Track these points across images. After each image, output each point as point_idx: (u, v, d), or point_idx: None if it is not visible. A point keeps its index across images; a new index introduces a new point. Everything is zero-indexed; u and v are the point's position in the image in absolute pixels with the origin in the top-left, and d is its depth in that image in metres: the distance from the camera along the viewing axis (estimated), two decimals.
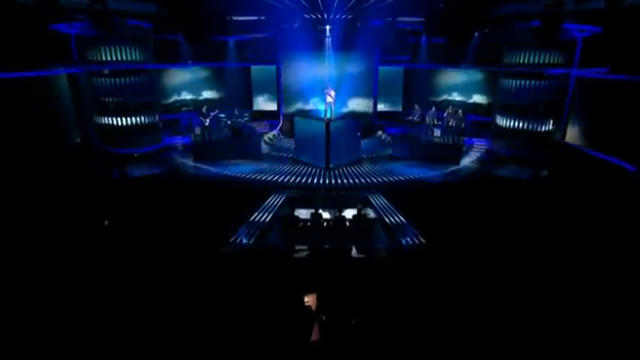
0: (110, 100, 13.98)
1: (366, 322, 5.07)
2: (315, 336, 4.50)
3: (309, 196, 11.98)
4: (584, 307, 5.65)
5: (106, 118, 14.21)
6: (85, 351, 4.81)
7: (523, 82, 14.05)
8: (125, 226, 9.17)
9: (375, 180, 13.27)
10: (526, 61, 13.81)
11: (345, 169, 14.34)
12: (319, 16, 16.54)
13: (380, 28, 16.89)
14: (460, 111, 15.65)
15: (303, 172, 14.14)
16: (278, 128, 18.84)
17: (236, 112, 16.47)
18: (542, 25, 13.01)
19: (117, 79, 13.85)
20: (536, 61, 13.63)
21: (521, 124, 14.42)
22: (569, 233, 8.38)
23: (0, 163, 10.73)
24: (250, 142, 15.78)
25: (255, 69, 18.76)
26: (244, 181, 13.27)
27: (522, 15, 13.85)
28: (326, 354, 4.54)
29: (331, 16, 16.50)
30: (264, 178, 13.48)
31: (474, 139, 16.30)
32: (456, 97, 17.92)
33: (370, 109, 18.76)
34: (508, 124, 14.75)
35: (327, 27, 17.07)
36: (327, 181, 13.26)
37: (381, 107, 19.01)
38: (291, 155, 15.76)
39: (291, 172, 14.11)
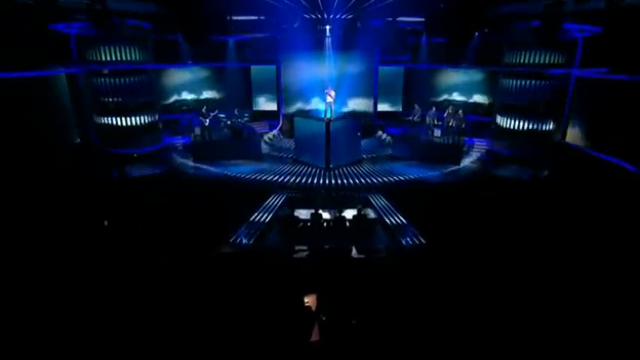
0: (110, 100, 13.96)
1: (366, 322, 5.05)
2: (315, 336, 4.48)
3: (309, 196, 11.96)
4: (585, 307, 5.64)
5: (105, 118, 14.19)
6: (85, 351, 4.80)
7: (523, 82, 14.05)
8: (125, 226, 9.16)
9: (375, 180, 13.25)
10: (526, 61, 13.80)
11: (345, 169, 14.32)
12: (319, 16, 16.53)
13: (380, 28, 16.88)
14: (460, 111, 15.65)
15: (303, 172, 14.12)
16: (278, 128, 18.83)
17: (236, 112, 16.47)
18: (543, 25, 13.01)
19: (116, 79, 13.83)
20: (536, 61, 13.62)
21: (521, 124, 14.41)
22: (570, 233, 8.37)
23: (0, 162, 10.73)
24: (250, 143, 15.76)
25: (255, 69, 18.75)
26: (244, 182, 13.25)
27: (522, 15, 13.84)
28: (326, 354, 4.52)
29: (331, 16, 16.49)
30: (264, 178, 13.46)
31: (475, 139, 16.29)
32: (457, 97, 17.91)
33: (370, 109, 18.74)
34: (508, 124, 14.74)
35: (327, 27, 17.06)
36: (327, 182, 13.24)
37: (381, 107, 18.98)
38: (291, 155, 15.75)
39: (291, 172, 14.10)
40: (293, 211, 9.61)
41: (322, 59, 17.50)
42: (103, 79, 13.78)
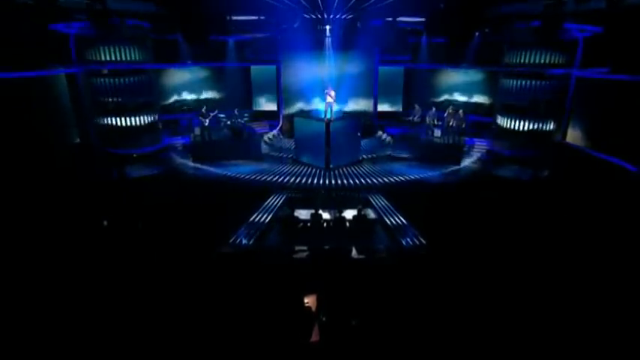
0: (109, 100, 13.93)
1: (366, 323, 5.04)
2: (315, 337, 4.47)
3: (309, 196, 11.94)
4: (585, 307, 5.63)
5: (105, 119, 14.16)
6: (85, 351, 4.78)
7: (524, 82, 14.01)
8: (124, 226, 9.14)
9: (375, 181, 13.22)
10: (526, 61, 13.76)
11: (345, 170, 14.30)
12: (319, 16, 16.51)
13: (380, 27, 16.86)
14: (461, 111, 15.62)
15: (303, 172, 14.10)
16: (278, 128, 18.80)
17: (236, 112, 16.44)
18: (543, 24, 12.98)
19: (116, 79, 13.79)
20: (536, 61, 13.59)
21: (521, 125, 14.38)
22: (570, 233, 8.36)
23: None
24: (250, 143, 15.73)
25: (254, 69, 18.72)
26: (244, 182, 13.23)
27: (523, 15, 13.81)
28: (326, 355, 4.51)
29: (331, 16, 16.47)
30: (263, 178, 13.44)
31: (475, 139, 16.26)
32: (457, 97, 17.88)
33: (370, 110, 18.72)
34: (509, 124, 14.72)
35: (327, 27, 17.04)
36: (327, 182, 13.22)
37: (381, 107, 18.95)
38: (291, 155, 15.73)
39: (291, 172, 14.07)
40: (293, 212, 9.59)
41: (322, 59, 17.47)
42: (102, 79, 13.73)
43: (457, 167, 14.50)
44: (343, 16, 16.63)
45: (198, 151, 15.16)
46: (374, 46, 17.58)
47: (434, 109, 16.20)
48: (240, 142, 15.55)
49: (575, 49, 13.42)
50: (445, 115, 15.69)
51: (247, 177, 13.56)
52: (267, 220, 10.38)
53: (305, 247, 8.54)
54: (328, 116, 14.83)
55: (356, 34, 16.85)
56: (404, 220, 10.29)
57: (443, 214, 10.04)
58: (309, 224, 9.43)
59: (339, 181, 13.26)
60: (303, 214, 9.84)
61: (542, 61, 13.51)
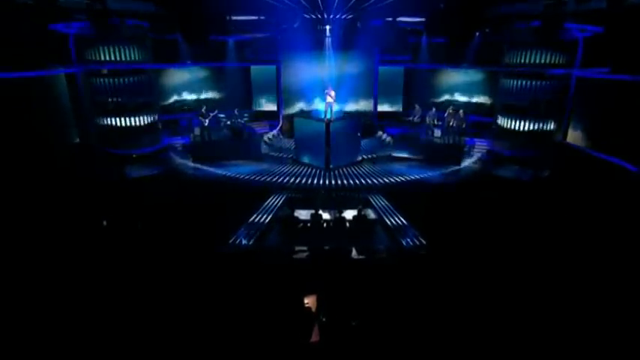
0: (109, 100, 13.91)
1: (367, 323, 5.02)
2: (315, 337, 4.46)
3: (309, 196, 11.93)
4: (586, 308, 5.61)
5: (104, 119, 14.15)
6: (85, 351, 4.77)
7: (524, 82, 13.99)
8: (124, 226, 9.13)
9: (375, 181, 13.20)
10: (527, 61, 13.75)
11: (345, 170, 14.28)
12: (319, 16, 16.50)
13: (380, 27, 16.86)
14: (461, 111, 15.60)
15: (303, 172, 14.08)
16: (278, 128, 18.79)
17: (235, 112, 16.42)
18: (543, 24, 12.97)
19: (115, 79, 13.77)
20: (537, 61, 13.57)
21: (522, 125, 14.37)
22: (570, 234, 8.34)
23: None
24: (250, 143, 15.72)
25: (254, 69, 18.70)
26: (244, 182, 13.21)
27: (523, 15, 13.80)
28: (326, 355, 4.50)
29: (331, 16, 16.46)
30: (263, 178, 13.41)
31: (476, 140, 16.24)
32: (458, 97, 17.86)
33: (370, 110, 18.70)
34: (509, 124, 14.70)
35: (327, 27, 17.03)
36: (327, 182, 13.20)
37: (381, 107, 18.94)
38: (290, 156, 15.71)
39: (291, 172, 14.05)
40: (293, 212, 9.58)
41: (322, 59, 17.46)
42: (102, 79, 13.71)
43: (457, 167, 14.48)
44: (343, 16, 16.62)
45: (197, 152, 15.13)
46: (374, 46, 17.56)
47: (434, 109, 16.19)
48: (240, 142, 15.53)
49: (576, 49, 13.41)
50: (445, 115, 15.67)
51: (247, 177, 13.53)
52: (267, 220, 10.36)
53: (305, 248, 8.53)
54: (328, 116, 14.82)
55: (356, 34, 16.84)
56: (404, 221, 10.27)
57: (443, 214, 10.02)
58: (309, 224, 9.41)
59: (339, 182, 13.23)
60: (303, 214, 9.82)
61: (543, 61, 13.49)
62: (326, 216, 9.84)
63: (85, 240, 7.99)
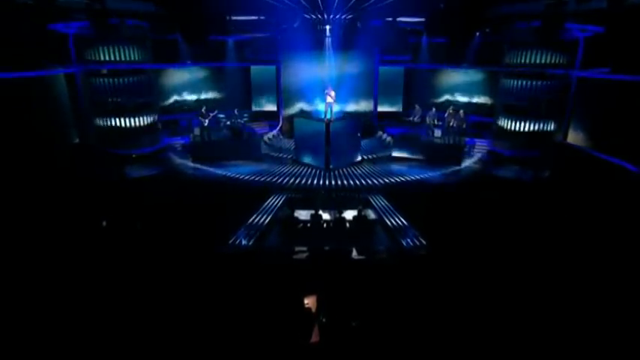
0: (108, 100, 13.90)
1: (367, 323, 5.00)
2: (315, 338, 4.43)
3: (308, 197, 11.90)
4: (587, 308, 5.59)
5: (104, 119, 14.13)
6: (84, 351, 4.75)
7: (524, 82, 14.00)
8: (123, 226, 9.10)
9: (375, 181, 13.17)
10: (527, 61, 13.75)
11: (345, 170, 14.26)
12: (319, 16, 16.48)
13: (380, 27, 16.85)
14: (461, 111, 15.59)
15: (303, 173, 14.05)
16: (278, 129, 18.77)
17: (235, 112, 16.41)
18: (544, 24, 12.97)
19: (115, 79, 13.77)
20: (537, 61, 13.58)
21: (522, 125, 14.35)
22: (571, 234, 8.31)
23: None
24: (250, 143, 15.70)
25: (254, 69, 18.72)
26: (244, 182, 13.19)
27: (523, 15, 13.79)
28: (326, 356, 4.47)
29: (331, 16, 16.44)
30: (263, 179, 13.38)
31: (476, 140, 16.23)
32: (458, 97, 17.86)
33: (370, 110, 18.68)
34: (509, 124, 14.69)
35: (327, 27, 17.01)
36: (327, 182, 13.17)
37: (381, 108, 18.92)
38: (290, 156, 15.69)
39: (291, 173, 14.02)
40: (293, 212, 9.55)
41: (322, 59, 17.43)
42: (101, 79, 13.72)
43: (458, 168, 14.46)
44: (343, 16, 16.60)
45: (197, 152, 15.12)
46: (374, 46, 17.55)
47: (434, 109, 16.18)
48: (240, 142, 15.52)
49: (576, 49, 13.42)
50: (446, 115, 15.67)
51: (247, 177, 13.50)
52: (266, 221, 10.33)
53: (305, 248, 8.51)
54: (328, 116, 14.80)
55: (356, 34, 16.83)
56: (404, 221, 10.25)
57: (443, 214, 9.99)
58: (309, 225, 9.39)
59: (339, 182, 13.20)
60: (303, 214, 9.80)
61: (543, 61, 13.50)
62: (326, 216, 9.82)
63: (84, 240, 7.96)
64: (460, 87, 17.79)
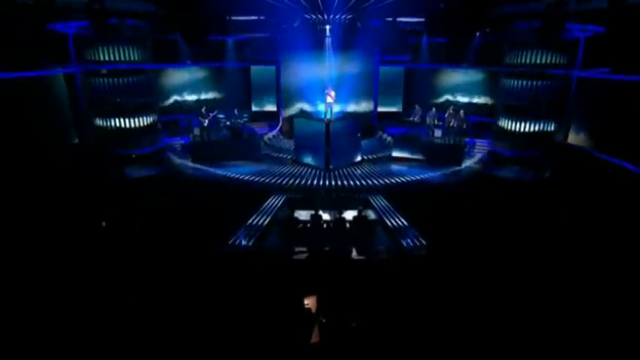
0: (108, 100, 13.88)
1: (367, 324, 4.98)
2: (315, 338, 4.41)
3: (308, 197, 11.88)
4: (587, 308, 5.57)
5: (103, 119, 14.10)
6: (84, 351, 4.74)
7: (525, 82, 13.99)
8: (123, 226, 9.09)
9: (375, 182, 13.15)
10: (528, 61, 13.74)
11: (345, 170, 14.23)
12: (319, 16, 16.46)
13: (380, 27, 16.84)
14: (462, 111, 15.58)
15: (303, 173, 14.03)
16: (278, 129, 18.75)
17: (235, 112, 16.39)
18: (544, 24, 12.94)
19: (115, 79, 13.75)
20: (538, 61, 13.57)
21: (523, 125, 14.34)
22: (571, 234, 8.30)
23: None
24: (250, 143, 15.68)
25: (254, 69, 18.73)
26: (243, 183, 13.16)
27: (524, 15, 13.78)
28: (326, 356, 4.45)
29: (331, 16, 16.42)
30: (263, 179, 13.35)
31: (476, 140, 16.21)
32: (459, 97, 17.84)
33: (370, 110, 18.66)
34: (510, 124, 14.67)
35: (327, 27, 16.99)
36: (327, 183, 13.14)
37: (381, 108, 18.91)
38: (290, 156, 15.66)
39: (291, 173, 14.00)
40: (293, 212, 9.53)
41: (322, 59, 17.40)
42: (101, 79, 13.70)
43: (458, 168, 14.43)
44: (343, 16, 16.58)
45: (197, 152, 15.10)
46: (374, 46, 17.53)
47: (434, 109, 16.17)
48: (240, 142, 15.50)
49: (577, 49, 13.40)
50: (446, 115, 15.66)
51: (247, 178, 13.47)
52: (266, 221, 10.30)
53: (305, 248, 8.49)
54: (328, 117, 14.78)
55: (356, 34, 16.81)
56: (404, 221, 10.22)
57: (443, 215, 9.98)
58: (308, 225, 9.36)
59: (339, 182, 13.18)
60: (303, 214, 9.77)
61: (544, 61, 13.49)
62: (326, 217, 9.80)
63: (84, 240, 7.95)
64: (460, 87, 17.78)
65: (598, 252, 7.35)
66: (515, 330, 5.13)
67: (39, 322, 5.20)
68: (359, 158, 15.31)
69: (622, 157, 11.44)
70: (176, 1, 14.74)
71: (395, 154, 15.55)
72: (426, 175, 13.68)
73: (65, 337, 4.91)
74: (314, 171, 14.21)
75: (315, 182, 13.19)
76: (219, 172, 13.97)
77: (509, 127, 14.72)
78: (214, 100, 18.23)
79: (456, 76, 17.81)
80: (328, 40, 17.20)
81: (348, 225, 9.35)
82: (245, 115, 18.02)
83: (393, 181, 13.21)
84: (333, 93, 14.95)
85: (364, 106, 18.55)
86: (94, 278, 6.36)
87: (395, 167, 14.62)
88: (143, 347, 4.81)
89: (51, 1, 11.77)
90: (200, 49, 16.62)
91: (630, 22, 11.10)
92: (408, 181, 13.28)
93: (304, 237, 9.15)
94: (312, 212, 9.49)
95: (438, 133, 15.22)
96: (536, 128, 14.23)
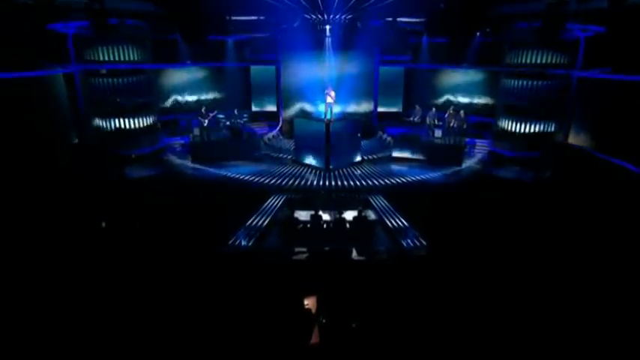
0: (108, 100, 13.86)
1: (367, 325, 4.97)
2: (315, 339, 4.40)
3: (308, 197, 11.86)
4: (588, 308, 5.56)
5: (103, 119, 14.08)
6: (84, 351, 4.73)
7: (525, 82, 13.97)
8: (122, 227, 9.08)
9: (375, 182, 13.13)
10: (528, 61, 13.72)
11: (345, 171, 14.22)
12: (319, 16, 16.45)
13: (380, 27, 16.82)
14: (462, 111, 15.56)
15: (303, 173, 14.01)
16: (277, 129, 18.74)
17: (235, 112, 16.38)
18: (545, 24, 12.92)
19: (114, 79, 13.74)
20: (538, 61, 13.55)
21: (523, 125, 14.32)
22: (572, 235, 8.28)
23: None
24: (250, 143, 15.67)
25: (254, 69, 18.72)
26: (243, 183, 13.14)
27: (524, 15, 13.77)
28: (326, 357, 4.44)
29: (331, 16, 16.41)
30: (263, 179, 13.32)
31: (477, 140, 16.20)
32: (459, 97, 17.81)
33: (370, 110, 18.65)
34: (510, 124, 14.66)
35: (327, 27, 16.98)
36: (327, 183, 13.13)
37: (381, 108, 18.89)
38: (290, 156, 15.65)
39: (291, 173, 13.98)
40: (293, 213, 9.51)
41: (322, 59, 17.38)
42: (100, 79, 13.69)
43: (458, 168, 14.42)
44: (343, 16, 16.57)
45: (197, 152, 15.08)
46: (374, 46, 17.52)
47: (434, 109, 16.16)
48: (240, 142, 15.49)
49: (577, 49, 13.38)
50: (446, 115, 15.64)
51: (247, 178, 13.45)
52: (266, 221, 10.28)
53: (305, 249, 8.47)
54: (328, 117, 14.76)
55: (356, 34, 16.79)
56: (404, 222, 10.21)
57: (444, 215, 9.96)
58: (308, 225, 9.35)
59: (339, 183, 13.16)
60: (303, 215, 9.76)
61: (544, 61, 13.47)
62: (326, 217, 9.78)
63: (83, 240, 7.93)
64: (460, 87, 17.75)
65: (598, 252, 7.34)
66: (516, 330, 5.12)
67: (39, 322, 5.20)
68: (359, 158, 15.29)
69: (622, 158, 11.42)
70: (176, 0, 14.71)
71: (395, 154, 15.54)
72: (426, 176, 13.66)
73: (65, 337, 4.91)
74: (314, 171, 14.20)
75: (315, 182, 13.15)
76: (219, 172, 13.94)
77: (509, 127, 14.70)
78: (214, 100, 18.21)
79: (456, 76, 17.78)
80: (328, 40, 17.19)
81: (348, 225, 9.33)
82: (245, 115, 18.00)
83: (393, 181, 13.19)
84: (333, 93, 14.94)
85: (364, 107, 18.52)
86: (93, 278, 6.36)
87: (395, 167, 14.60)
88: (143, 347, 4.80)
89: (51, 1, 11.74)
90: (200, 49, 16.60)
91: (630, 22, 11.09)
92: (408, 181, 13.25)
93: (304, 237, 9.12)
94: (312, 212, 9.47)
95: (438, 133, 15.21)
96: (537, 128, 14.20)
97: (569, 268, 6.86)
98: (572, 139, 13.90)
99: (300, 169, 14.41)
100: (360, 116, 17.57)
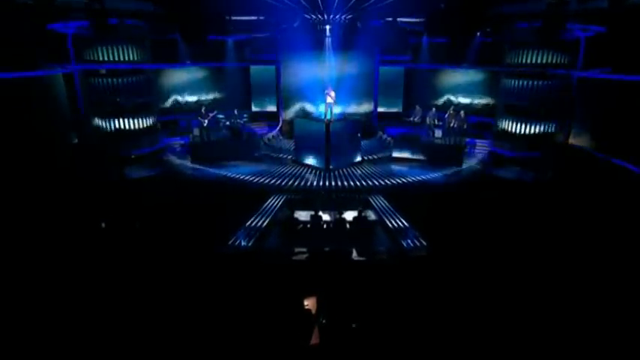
0: (108, 100, 13.84)
1: (367, 325, 4.96)
2: (315, 339, 4.39)
3: (308, 198, 11.85)
4: (588, 309, 5.55)
5: (103, 119, 14.07)
6: (84, 351, 4.73)
7: (525, 82, 13.95)
8: (122, 227, 9.07)
9: (375, 182, 13.12)
10: (528, 61, 13.71)
11: (345, 171, 14.20)
12: (319, 16, 16.43)
13: (380, 27, 16.81)
14: (462, 112, 15.56)
15: (303, 173, 14.00)
16: (277, 129, 18.73)
17: (235, 112, 16.37)
18: (545, 24, 12.90)
19: (114, 79, 13.72)
20: (538, 61, 13.54)
21: (523, 125, 14.31)
22: (572, 235, 8.28)
23: None
24: (250, 143, 15.65)
25: (254, 69, 18.70)
26: (243, 183, 13.13)
27: (524, 14, 13.75)
28: (326, 358, 4.43)
29: (331, 16, 16.40)
30: (263, 179, 13.31)
31: (477, 140, 16.19)
32: (459, 97, 17.79)
33: (371, 110, 18.63)
34: (510, 124, 14.65)
35: (327, 27, 16.97)
36: (327, 183, 13.11)
37: (381, 108, 18.88)
38: (290, 156, 15.64)
39: (291, 173, 13.97)
40: (292, 213, 9.51)
41: (322, 59, 17.37)
42: (100, 79, 13.66)
43: (458, 168, 14.41)
44: (343, 16, 16.56)
45: (197, 152, 15.07)
46: (374, 46, 17.50)
47: (434, 109, 16.15)
48: (240, 142, 15.48)
49: (578, 49, 13.36)
50: (446, 116, 15.63)
51: (246, 178, 13.43)
52: (266, 222, 10.28)
53: (305, 249, 8.46)
54: (328, 117, 14.76)
55: (356, 34, 16.77)
56: (405, 222, 10.20)
57: (444, 215, 9.95)
58: (308, 226, 9.34)
59: (339, 183, 13.15)
60: (303, 215, 9.75)
61: (544, 61, 13.45)
62: (326, 217, 9.78)
63: (83, 240, 7.93)
64: (461, 87, 17.71)
65: (599, 253, 7.33)
66: (516, 330, 5.12)
67: (39, 322, 5.20)
68: (359, 159, 15.28)
69: (623, 158, 11.41)
70: (175, 0, 14.69)
71: (395, 154, 15.52)
72: (427, 176, 13.65)
73: (65, 337, 4.91)
74: (314, 171, 14.18)
75: (315, 183, 13.13)
76: (219, 172, 13.93)
77: (510, 128, 14.69)
78: (214, 100, 18.18)
79: (456, 77, 17.75)
80: (328, 40, 17.17)
81: (348, 225, 9.32)
82: (245, 116, 17.98)
83: (393, 181, 13.18)
84: (333, 93, 14.92)
85: (364, 107, 18.51)
86: (93, 278, 6.36)
87: (395, 167, 14.59)
88: (143, 347, 4.80)
89: (51, 1, 11.74)
90: (199, 49, 16.57)
91: (630, 22, 11.08)
92: (408, 181, 13.24)
93: (304, 237, 9.12)
94: (312, 213, 9.46)
95: (438, 133, 15.20)
96: (537, 129, 14.19)
97: (570, 268, 6.86)
98: (573, 140, 13.88)
99: (300, 170, 14.39)
100: (360, 116, 17.58)
